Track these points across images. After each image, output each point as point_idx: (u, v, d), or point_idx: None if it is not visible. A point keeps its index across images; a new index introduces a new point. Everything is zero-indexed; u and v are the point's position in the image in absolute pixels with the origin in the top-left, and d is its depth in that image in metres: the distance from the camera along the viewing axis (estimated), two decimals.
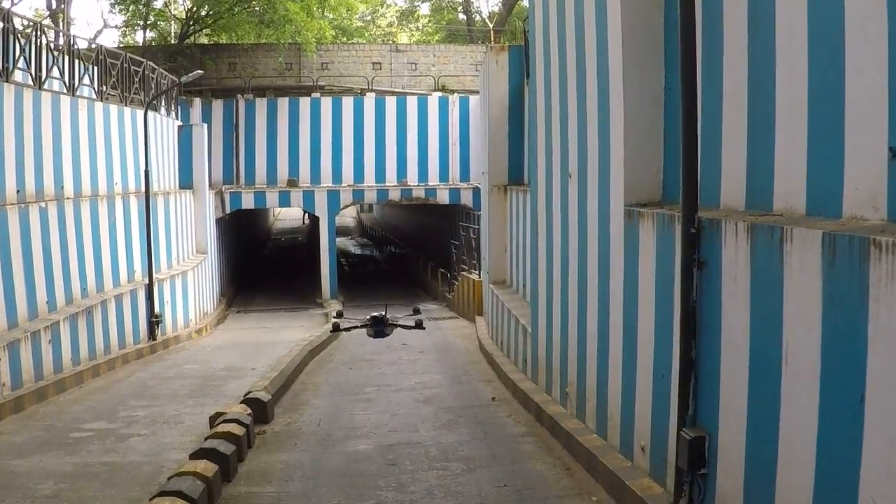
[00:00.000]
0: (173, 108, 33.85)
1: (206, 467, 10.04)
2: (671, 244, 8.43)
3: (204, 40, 51.11)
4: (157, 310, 25.48)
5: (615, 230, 10.30)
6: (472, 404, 15.72)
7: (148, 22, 50.97)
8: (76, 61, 23.56)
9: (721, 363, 7.47)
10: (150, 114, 28.59)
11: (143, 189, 25.62)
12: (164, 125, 30.92)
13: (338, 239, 67.08)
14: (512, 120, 22.81)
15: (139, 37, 53.26)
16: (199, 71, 30.60)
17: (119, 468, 11.79)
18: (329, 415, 15.14)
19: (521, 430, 13.45)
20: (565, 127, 12.92)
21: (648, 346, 9.23)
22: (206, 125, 34.72)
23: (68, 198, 21.21)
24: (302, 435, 13.56)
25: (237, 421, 12.49)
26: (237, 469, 11.24)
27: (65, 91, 22.23)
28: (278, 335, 28.24)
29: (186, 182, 33.01)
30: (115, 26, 55.92)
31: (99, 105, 24.15)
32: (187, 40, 47.33)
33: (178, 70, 41.20)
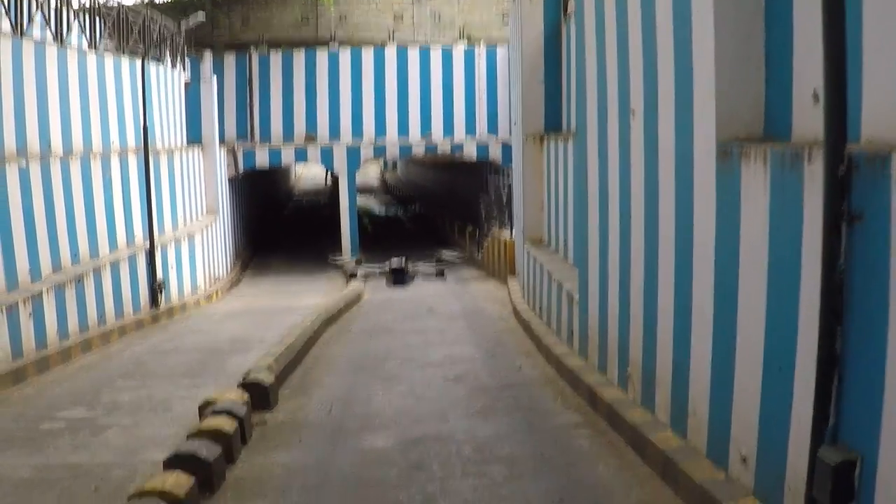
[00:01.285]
0: (180, 61, 31.57)
1: (178, 482, 7.88)
2: (797, 191, 6.14)
3: None
4: (159, 275, 23.41)
5: (702, 175, 8.00)
6: (511, 383, 13.45)
7: None
8: (64, 9, 21.39)
9: (887, 359, 5.21)
10: (154, 66, 26.45)
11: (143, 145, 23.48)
12: (170, 78, 28.75)
13: (360, 198, 64.99)
14: (548, 61, 20.41)
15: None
16: (201, 12, 28.32)
17: (84, 473, 9.63)
18: (343, 397, 12.91)
19: (573, 418, 11.19)
20: (624, 55, 10.57)
21: (756, 328, 6.95)
22: (215, 77, 32.55)
23: (56, 156, 19.12)
24: (309, 426, 11.35)
25: (229, 412, 10.32)
26: (224, 475, 9.05)
27: (51, 40, 20.11)
28: (294, 300, 26.17)
29: (195, 139, 30.89)
30: None
31: (92, 56, 22.00)
32: None
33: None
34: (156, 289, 23.17)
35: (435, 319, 20.69)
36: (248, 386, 12.00)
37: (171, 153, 26.75)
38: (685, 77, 8.37)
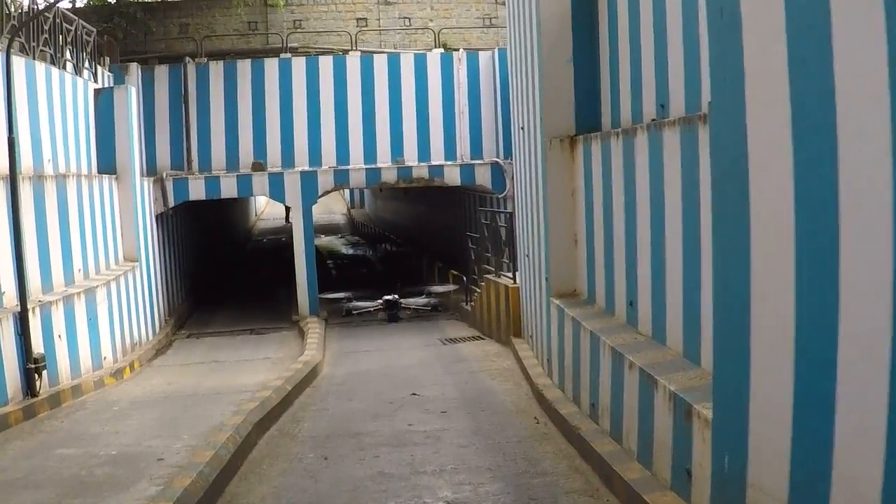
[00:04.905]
0: (88, 65, 25.08)
1: None
2: None
3: None
4: (38, 349, 16.76)
5: None
6: None
7: None
8: None
9: None
10: (42, 67, 20.03)
11: (25, 168, 17.03)
12: (71, 86, 22.23)
13: (326, 237, 58.88)
14: (579, 32, 14.02)
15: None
16: None
17: None
18: None
19: None
20: None
21: None
22: (132, 88, 25.81)
23: None
24: None
25: None
26: None
27: None
28: (231, 376, 19.64)
29: (109, 165, 24.33)
30: None
31: None
32: None
33: (114, 32, 32.87)
34: (32, 369, 16.53)
35: (422, 412, 14.15)
36: None
37: (63, 180, 20.13)
38: None
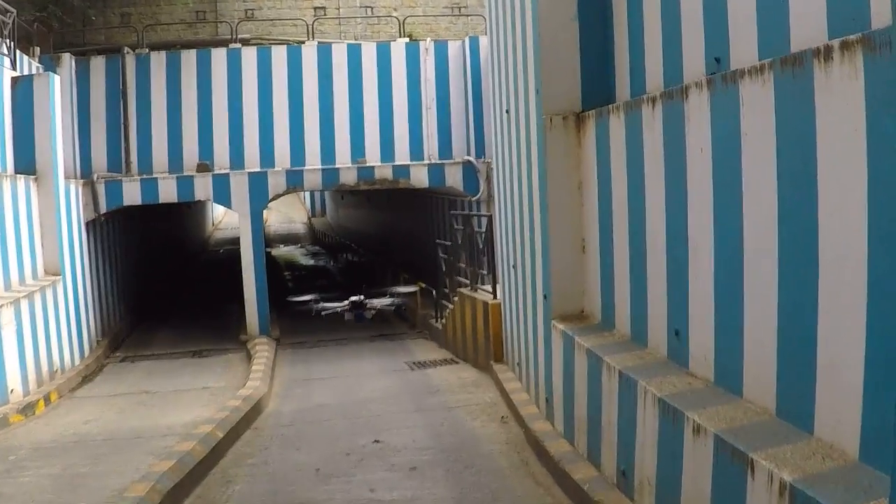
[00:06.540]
0: (7, 52, 21.84)
1: None
2: None
3: None
4: None
5: None
6: None
7: None
8: None
9: None
10: None
11: None
12: None
13: (285, 248, 55.78)
14: None
15: None
16: None
17: None
18: None
19: None
20: None
21: None
22: (55, 77, 22.41)
23: None
24: None
25: None
26: None
27: None
28: (158, 413, 16.49)
29: (27, 165, 21.09)
30: None
31: None
32: None
33: (49, 22, 29.83)
34: None
35: (388, 469, 11.06)
36: None
37: None
38: None
